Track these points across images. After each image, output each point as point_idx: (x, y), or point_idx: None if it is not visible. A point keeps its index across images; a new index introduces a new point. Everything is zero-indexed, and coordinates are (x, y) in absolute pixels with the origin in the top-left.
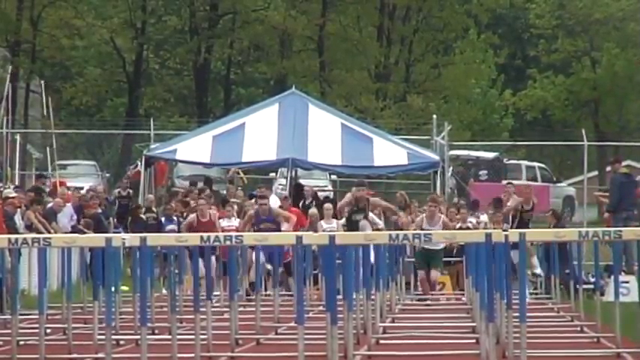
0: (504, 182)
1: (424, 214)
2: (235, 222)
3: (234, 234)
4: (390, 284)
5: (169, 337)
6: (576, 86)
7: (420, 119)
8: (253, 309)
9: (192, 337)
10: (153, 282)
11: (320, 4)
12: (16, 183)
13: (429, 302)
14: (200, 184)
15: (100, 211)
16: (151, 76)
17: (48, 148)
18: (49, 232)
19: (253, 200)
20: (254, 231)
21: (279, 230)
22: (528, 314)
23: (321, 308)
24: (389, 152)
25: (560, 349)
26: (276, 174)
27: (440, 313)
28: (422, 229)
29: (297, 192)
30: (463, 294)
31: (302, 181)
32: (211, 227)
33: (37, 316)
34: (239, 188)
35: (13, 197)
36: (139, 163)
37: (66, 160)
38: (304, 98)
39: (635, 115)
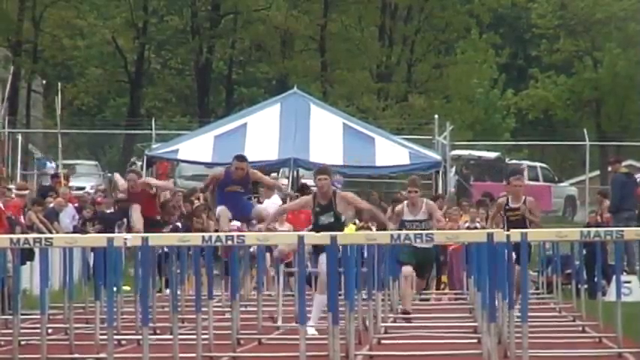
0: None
1: (405, 202)
2: (237, 222)
3: (235, 234)
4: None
5: (171, 337)
6: (578, 86)
7: (421, 119)
8: (255, 309)
9: (194, 336)
10: (155, 282)
11: (322, 4)
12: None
13: (431, 302)
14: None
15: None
16: (152, 76)
17: (58, 148)
18: (51, 232)
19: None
20: (218, 194)
21: (248, 194)
22: (530, 314)
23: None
24: (391, 152)
25: (562, 349)
26: (278, 174)
27: (441, 313)
28: (403, 220)
29: (303, 192)
30: (463, 293)
31: (304, 181)
32: (147, 198)
33: (38, 316)
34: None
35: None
36: (136, 164)
37: (68, 160)
38: (306, 98)
39: (636, 115)
